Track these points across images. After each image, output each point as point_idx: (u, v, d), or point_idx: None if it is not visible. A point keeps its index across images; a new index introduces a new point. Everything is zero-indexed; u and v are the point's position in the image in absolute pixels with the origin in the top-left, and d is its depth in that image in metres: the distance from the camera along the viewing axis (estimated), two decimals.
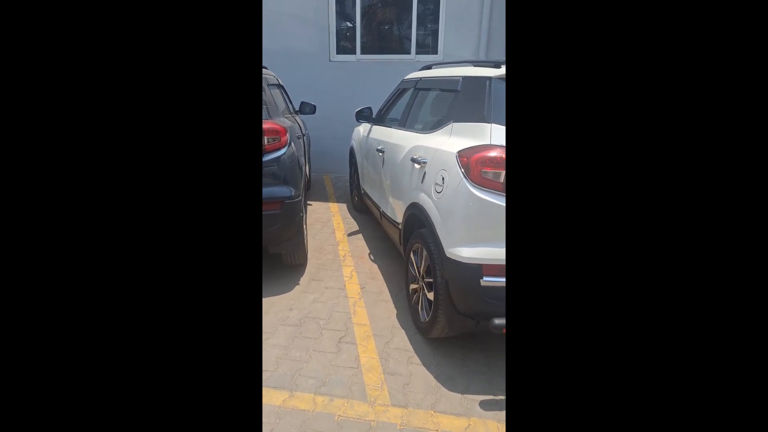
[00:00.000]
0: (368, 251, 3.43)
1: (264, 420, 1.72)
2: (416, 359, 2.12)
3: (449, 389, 1.92)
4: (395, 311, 2.55)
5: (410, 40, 5.51)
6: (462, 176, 1.81)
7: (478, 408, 1.81)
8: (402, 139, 2.69)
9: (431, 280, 2.05)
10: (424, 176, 2.17)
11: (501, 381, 1.99)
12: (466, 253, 1.79)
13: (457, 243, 1.83)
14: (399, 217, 2.61)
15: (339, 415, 1.76)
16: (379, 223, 3.52)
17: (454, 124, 2.12)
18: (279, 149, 2.61)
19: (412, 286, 2.38)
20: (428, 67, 3.06)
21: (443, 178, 1.96)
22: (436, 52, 5.48)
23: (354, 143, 4.16)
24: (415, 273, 2.29)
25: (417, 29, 5.43)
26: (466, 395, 1.88)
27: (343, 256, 3.32)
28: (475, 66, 2.22)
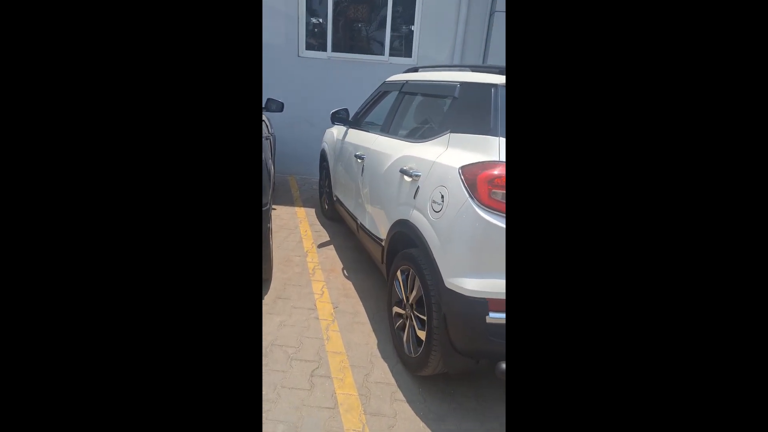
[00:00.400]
0: (341, 265, 3.15)
1: None
2: (400, 395, 1.89)
3: None
4: (374, 336, 2.30)
5: (379, 42, 5.28)
6: (467, 195, 1.59)
7: None
8: (387, 147, 2.44)
9: (423, 316, 1.82)
10: (417, 191, 1.94)
11: (492, 417, 1.80)
12: (469, 284, 1.57)
13: (459, 272, 1.61)
14: (382, 233, 2.36)
15: None
16: (353, 234, 3.25)
17: (452, 134, 1.90)
18: None
19: (396, 310, 2.14)
20: (414, 70, 2.84)
21: (442, 196, 1.73)
22: (409, 55, 5.29)
23: (326, 146, 3.86)
24: (402, 297, 2.05)
25: (388, 31, 5.20)
26: None
27: (313, 270, 3.03)
28: (473, 71, 2.02)
